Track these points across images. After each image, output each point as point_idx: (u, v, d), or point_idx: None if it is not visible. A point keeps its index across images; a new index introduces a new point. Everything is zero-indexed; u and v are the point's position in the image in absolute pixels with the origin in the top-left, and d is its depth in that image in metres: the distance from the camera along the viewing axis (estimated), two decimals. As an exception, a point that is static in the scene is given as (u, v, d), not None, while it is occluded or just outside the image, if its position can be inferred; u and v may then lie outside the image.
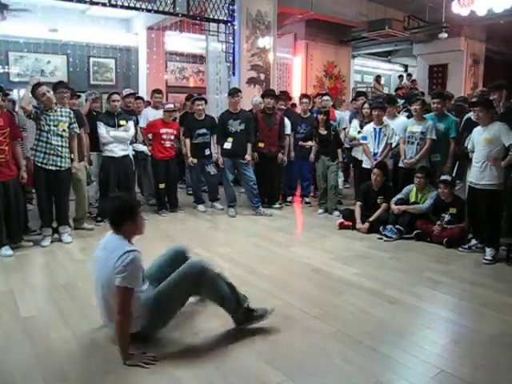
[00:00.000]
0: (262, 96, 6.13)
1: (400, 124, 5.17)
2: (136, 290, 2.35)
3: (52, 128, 4.20)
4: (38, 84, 4.22)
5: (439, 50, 11.02)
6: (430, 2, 9.16)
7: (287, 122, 6.01)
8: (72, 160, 4.43)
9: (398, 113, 5.76)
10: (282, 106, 6.14)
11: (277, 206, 6.00)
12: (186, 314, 2.84)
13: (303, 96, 6.44)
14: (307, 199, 6.36)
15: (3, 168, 3.95)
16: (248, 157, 5.64)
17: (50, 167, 4.23)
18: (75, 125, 4.44)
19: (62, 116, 4.29)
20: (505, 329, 2.70)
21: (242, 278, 3.47)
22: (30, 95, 4.15)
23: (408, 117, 5.44)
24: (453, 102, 5.76)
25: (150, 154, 5.65)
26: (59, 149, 4.25)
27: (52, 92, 4.28)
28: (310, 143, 5.88)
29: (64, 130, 4.30)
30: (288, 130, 5.98)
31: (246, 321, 2.62)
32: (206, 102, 5.92)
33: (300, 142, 6.01)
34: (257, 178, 5.73)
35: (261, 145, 5.85)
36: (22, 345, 2.48)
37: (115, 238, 2.45)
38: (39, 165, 4.20)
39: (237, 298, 2.61)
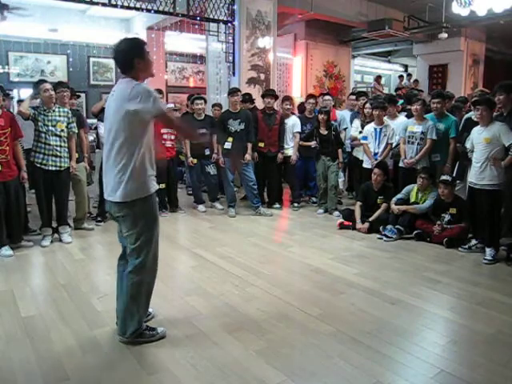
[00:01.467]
0: (263, 96, 6.12)
1: (400, 124, 5.17)
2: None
3: (50, 128, 4.21)
4: (43, 80, 4.28)
5: (439, 50, 11.02)
6: (429, 1, 9.15)
7: (297, 120, 5.99)
8: (71, 159, 4.44)
9: (398, 113, 5.76)
10: (288, 106, 6.14)
11: (277, 205, 5.99)
12: (185, 314, 2.85)
13: (309, 96, 6.43)
14: (314, 199, 6.24)
15: (4, 168, 3.96)
16: (248, 156, 5.63)
17: (50, 168, 4.23)
18: (73, 124, 4.44)
19: (59, 116, 4.29)
20: (504, 328, 2.71)
21: (242, 278, 3.49)
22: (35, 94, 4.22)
23: (407, 117, 5.44)
24: (453, 102, 5.76)
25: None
26: (58, 149, 4.25)
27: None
28: (310, 143, 5.87)
29: (62, 130, 4.30)
30: (298, 128, 5.95)
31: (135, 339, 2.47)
32: (205, 102, 5.92)
33: (300, 142, 6.00)
34: (257, 178, 5.73)
35: (261, 145, 5.84)
36: (22, 345, 2.48)
37: (124, 81, 2.28)
38: (38, 165, 4.20)
39: (141, 317, 2.45)
